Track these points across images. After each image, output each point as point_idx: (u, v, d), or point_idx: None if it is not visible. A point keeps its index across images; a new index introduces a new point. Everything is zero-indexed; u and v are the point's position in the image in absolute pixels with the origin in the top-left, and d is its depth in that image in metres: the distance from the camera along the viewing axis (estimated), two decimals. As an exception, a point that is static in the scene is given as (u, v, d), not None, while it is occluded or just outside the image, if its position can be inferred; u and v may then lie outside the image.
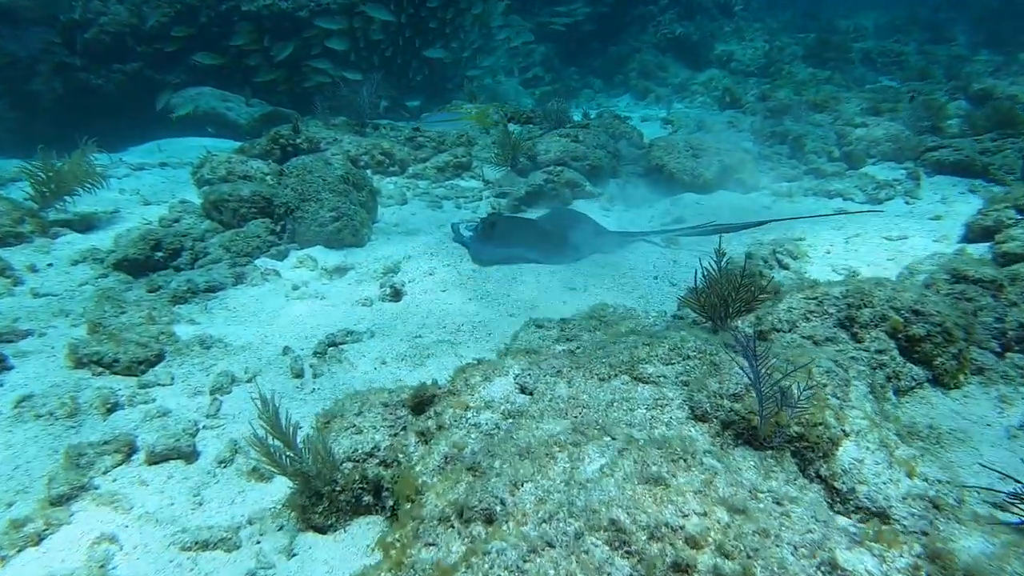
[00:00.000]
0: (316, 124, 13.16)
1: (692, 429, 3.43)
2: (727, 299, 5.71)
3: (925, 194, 10.58)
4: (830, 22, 25.12)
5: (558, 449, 3.11)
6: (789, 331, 5.23)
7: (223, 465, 4.83)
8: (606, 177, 11.42)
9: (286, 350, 6.34)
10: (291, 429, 3.68)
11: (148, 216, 9.57)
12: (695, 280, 5.29)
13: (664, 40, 21.89)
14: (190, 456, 4.90)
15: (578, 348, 4.27)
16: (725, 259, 5.47)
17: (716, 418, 3.48)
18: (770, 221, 9.37)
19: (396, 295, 7.46)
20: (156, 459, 4.84)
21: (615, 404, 3.54)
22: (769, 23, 23.98)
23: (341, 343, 6.46)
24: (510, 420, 3.57)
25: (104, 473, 4.71)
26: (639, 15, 22.92)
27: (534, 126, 14.32)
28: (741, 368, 3.62)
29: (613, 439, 3.14)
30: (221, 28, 16.44)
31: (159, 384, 5.84)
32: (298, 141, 12.10)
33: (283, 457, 3.65)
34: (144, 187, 10.97)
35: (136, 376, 5.96)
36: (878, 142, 11.88)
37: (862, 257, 8.27)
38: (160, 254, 8.28)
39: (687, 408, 3.57)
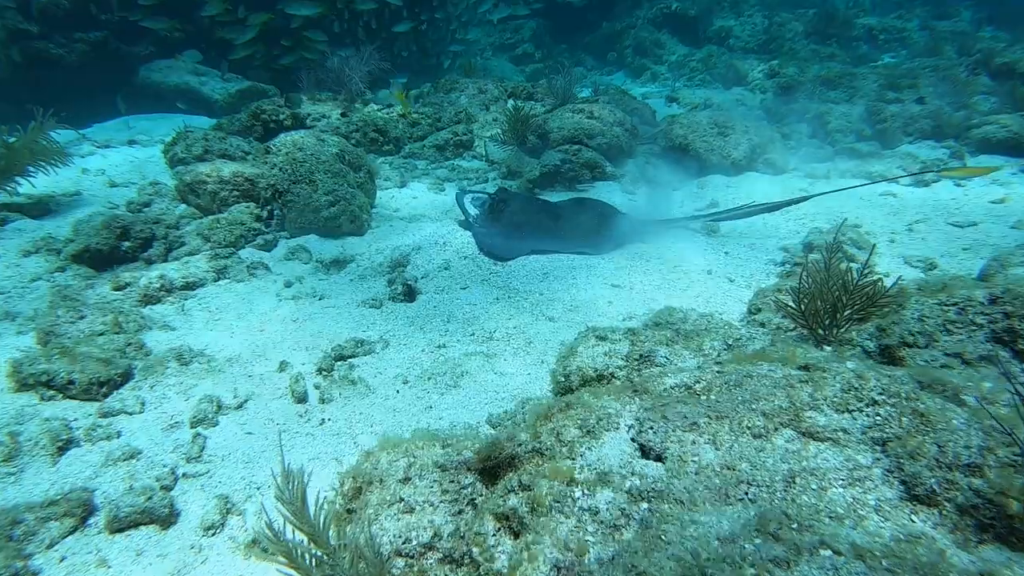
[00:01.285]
0: (301, 100, 11.79)
1: (921, 522, 2.28)
2: (836, 304, 4.57)
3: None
4: (824, -1, 24.02)
5: (753, 572, 1.94)
6: (926, 347, 4.09)
7: (211, 533, 3.60)
8: (623, 157, 10.21)
9: (283, 365, 5.09)
10: (322, 517, 2.47)
11: (114, 200, 8.19)
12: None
13: (660, 15, 20.61)
14: (166, 520, 3.66)
15: (698, 383, 3.09)
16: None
17: (949, 501, 2.33)
18: (812, 196, 8.25)
19: (409, 294, 6.22)
20: (121, 525, 3.58)
21: (796, 480, 2.38)
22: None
23: (350, 356, 5.22)
24: (644, 505, 2.38)
25: (49, 547, 3.45)
26: (633, -12, 21.67)
27: (536, 103, 13.04)
28: (960, 420, 2.48)
29: (836, 553, 1.97)
30: (192, -6, 14.90)
31: (125, 412, 4.57)
32: (282, 118, 10.73)
33: (306, 557, 2.43)
34: (110, 167, 9.56)
35: (96, 401, 4.68)
36: (915, 119, 10.80)
37: (932, 247, 7.17)
38: (128, 244, 6.96)
39: (897, 483, 2.42)
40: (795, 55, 18.49)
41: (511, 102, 12.91)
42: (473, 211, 7.71)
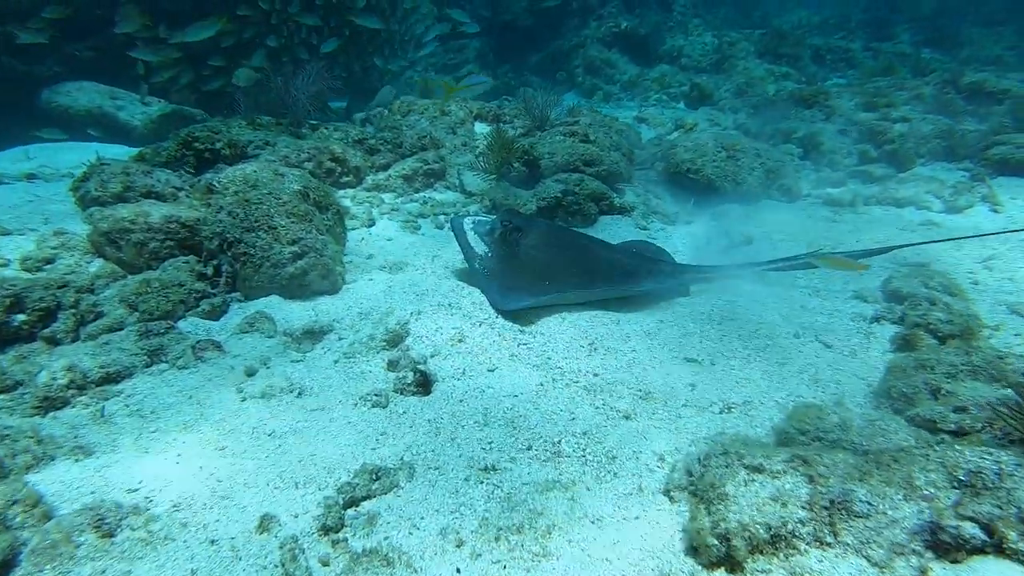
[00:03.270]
0: (239, 124, 9.86)
1: None
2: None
3: (1002, 199, 8.39)
4: (764, 19, 23.35)
5: None
6: None
7: None
8: (622, 185, 8.68)
9: (266, 522, 3.25)
10: None
11: (5, 254, 6.12)
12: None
13: (610, 34, 19.33)
14: None
15: None
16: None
17: None
18: (907, 246, 6.55)
19: (423, 384, 4.47)
20: None
21: None
22: (708, 18, 21.89)
23: (365, 497, 3.43)
24: None
25: None
26: (579, 7, 20.32)
27: (505, 125, 11.44)
28: None
29: None
30: (107, 11, 12.72)
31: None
32: (219, 146, 8.81)
33: None
34: (2, 209, 7.43)
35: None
36: (926, 139, 9.67)
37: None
38: (22, 318, 4.98)
39: None
40: (749, 74, 17.54)
41: (477, 125, 11.30)
42: (480, 247, 5.88)
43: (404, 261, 6.81)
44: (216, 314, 5.52)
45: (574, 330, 5.17)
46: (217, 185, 6.02)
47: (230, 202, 5.83)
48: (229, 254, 5.71)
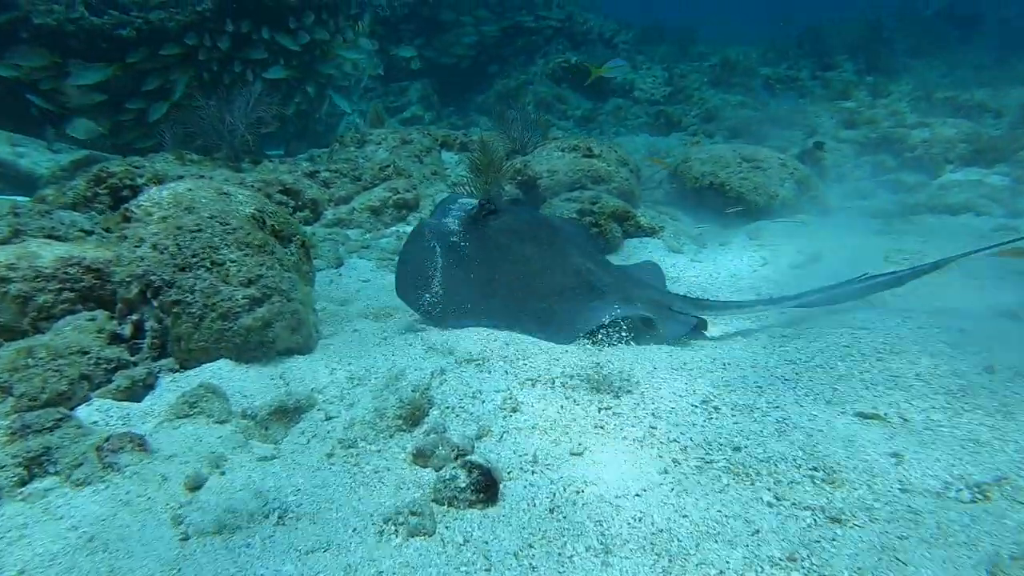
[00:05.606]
0: (164, 159, 8.02)
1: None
2: None
3: (1055, 202, 7.23)
4: (702, 56, 22.69)
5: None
6: None
7: None
8: (635, 205, 7.15)
9: None
10: None
11: None
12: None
13: (559, 69, 18.17)
14: None
15: None
16: None
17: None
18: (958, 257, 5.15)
19: (487, 487, 2.69)
20: None
21: None
22: (650, 54, 21.06)
23: None
24: None
25: None
26: (524, 45, 19.17)
27: (471, 153, 9.91)
28: None
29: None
30: (2, 46, 10.74)
31: None
32: (140, 182, 7.00)
33: None
34: None
35: None
36: (952, 144, 8.52)
37: None
38: None
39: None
40: (705, 103, 16.60)
41: (444, 153, 9.72)
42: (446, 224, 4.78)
43: (391, 305, 5.08)
44: (137, 392, 3.65)
45: (670, 381, 3.51)
46: (136, 211, 4.17)
47: (155, 232, 3.99)
48: (155, 304, 3.85)
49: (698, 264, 5.80)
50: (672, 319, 4.25)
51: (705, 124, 13.82)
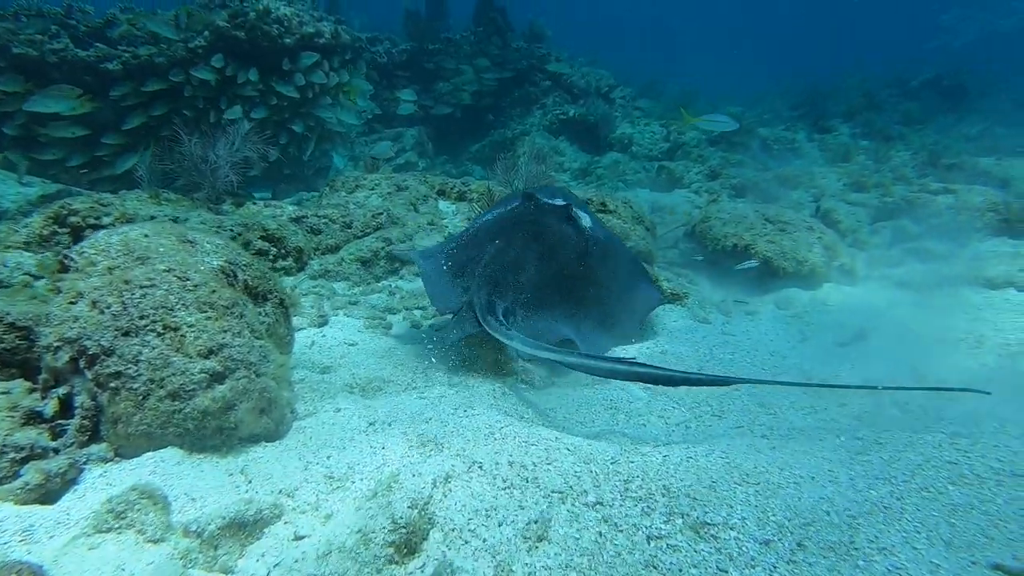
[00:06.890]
0: (137, 197, 7.27)
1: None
2: None
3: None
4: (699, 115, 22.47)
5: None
6: None
7: None
8: (652, 265, 6.47)
9: None
10: None
11: None
12: None
13: (557, 121, 17.74)
14: None
15: None
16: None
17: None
18: None
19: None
20: None
21: None
22: (647, 109, 20.75)
23: None
24: None
25: None
26: (521, 96, 18.75)
27: (472, 203, 9.26)
28: None
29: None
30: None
31: None
32: (107, 221, 6.27)
33: None
34: None
35: None
36: (981, 212, 7.95)
37: None
38: None
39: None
40: (706, 161, 16.17)
41: (441, 202, 9.06)
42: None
43: (381, 376, 4.32)
44: (53, 491, 2.83)
45: (736, 491, 2.74)
46: (77, 259, 3.39)
47: (97, 286, 3.21)
48: (90, 376, 3.05)
49: (731, 338, 5.07)
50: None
51: (710, 182, 13.29)
